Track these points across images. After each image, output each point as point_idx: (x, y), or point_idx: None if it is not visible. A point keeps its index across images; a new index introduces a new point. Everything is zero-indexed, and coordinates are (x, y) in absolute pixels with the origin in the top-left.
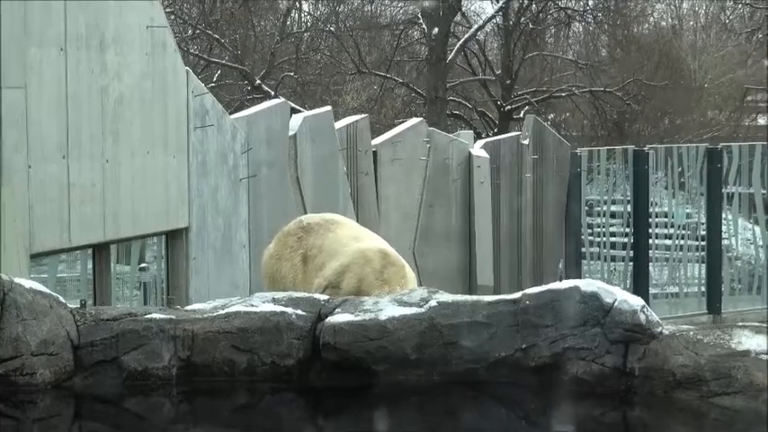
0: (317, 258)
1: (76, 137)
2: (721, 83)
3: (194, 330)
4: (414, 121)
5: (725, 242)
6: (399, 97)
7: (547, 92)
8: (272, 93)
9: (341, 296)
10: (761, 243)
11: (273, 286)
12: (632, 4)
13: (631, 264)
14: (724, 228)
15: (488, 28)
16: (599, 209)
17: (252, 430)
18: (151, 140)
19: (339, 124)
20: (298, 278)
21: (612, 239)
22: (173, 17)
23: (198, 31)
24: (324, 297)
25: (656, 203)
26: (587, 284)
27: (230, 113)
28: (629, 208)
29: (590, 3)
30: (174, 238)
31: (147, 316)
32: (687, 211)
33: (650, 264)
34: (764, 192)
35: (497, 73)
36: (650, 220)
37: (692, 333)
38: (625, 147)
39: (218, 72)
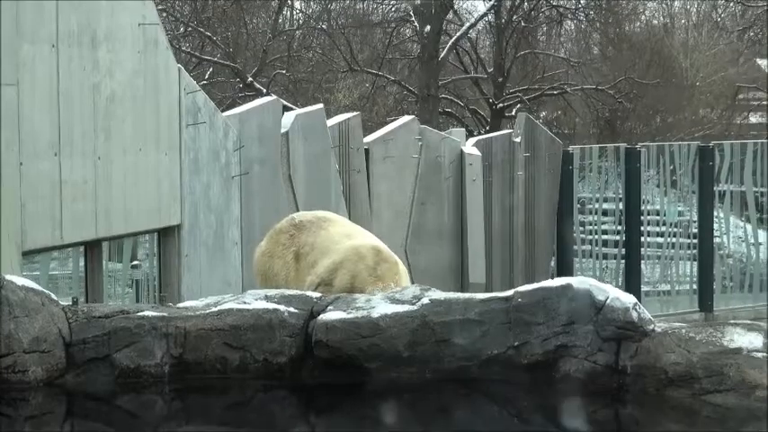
0: (309, 256)
1: (68, 134)
2: (713, 81)
3: (186, 328)
4: (406, 118)
5: (717, 240)
6: (391, 95)
7: (539, 90)
8: (264, 90)
9: (334, 293)
10: (752, 241)
11: (266, 284)
12: (624, 3)
13: (623, 261)
14: (716, 226)
15: (480, 26)
16: (591, 206)
17: (244, 428)
18: (143, 138)
19: (331, 122)
20: (290, 276)
21: (604, 237)
22: (165, 15)
23: (190, 29)
24: (316, 295)
25: (648, 201)
26: (579, 282)
27: (222, 111)
28: (620, 206)
29: (582, 1)
30: (167, 235)
31: (139, 313)
32: (679, 208)
33: (642, 261)
34: (756, 190)
35: (489, 71)
36: (642, 217)
37: (684, 331)
38: (617, 145)
39: (210, 69)
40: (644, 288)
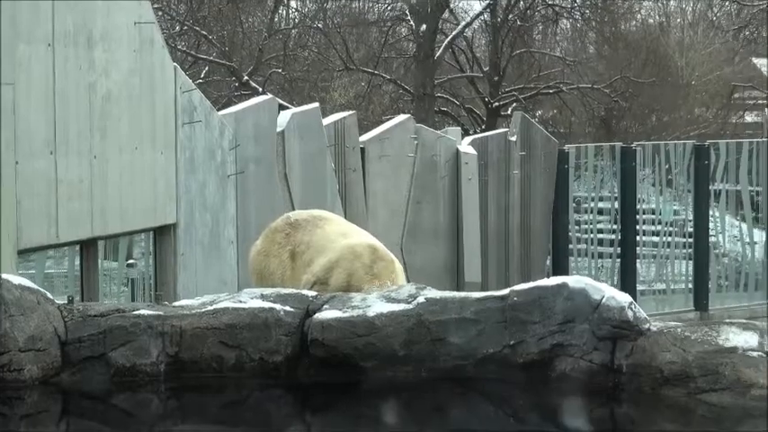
0: (305, 254)
1: (64, 133)
2: (708, 80)
3: (182, 326)
4: (401, 117)
5: (712, 239)
6: (387, 94)
7: (534, 89)
8: (260, 89)
9: (330, 292)
10: (748, 240)
11: (261, 283)
12: (619, 2)
13: (619, 260)
14: (711, 225)
15: (476, 25)
16: (586, 205)
17: (240, 426)
18: (139, 137)
19: (327, 121)
20: (286, 274)
21: (600, 236)
22: (160, 14)
23: (186, 28)
24: (312, 293)
25: (644, 200)
26: (575, 281)
27: (218, 110)
28: (616, 205)
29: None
30: (162, 234)
31: (134, 312)
32: (674, 207)
33: (637, 260)
34: (751, 189)
35: (485, 70)
36: (638, 216)
37: (679, 330)
38: (612, 144)
39: (206, 68)
40: (639, 287)
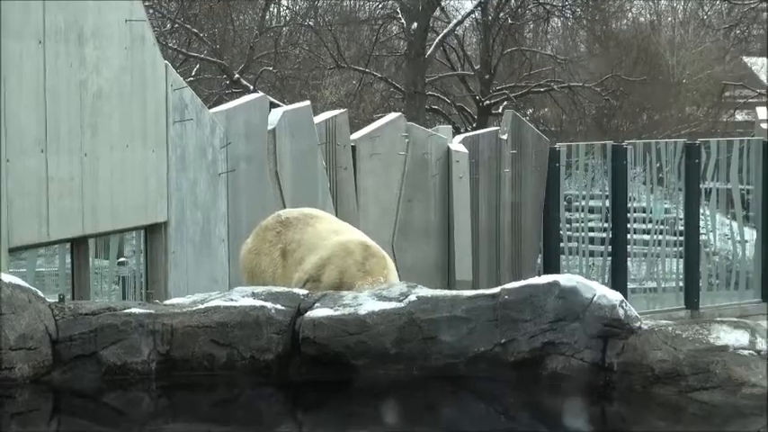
0: (296, 253)
1: (55, 131)
2: (699, 78)
3: (173, 325)
4: (392, 115)
5: (703, 237)
6: (378, 92)
7: (525, 87)
8: (251, 87)
9: (322, 289)
10: (738, 238)
11: (252, 281)
12: (611, 0)
13: (610, 259)
14: (702, 223)
15: (467, 23)
16: (577, 204)
17: (231, 425)
18: (130, 134)
19: (318, 119)
20: (277, 273)
21: (591, 234)
22: (151, 11)
23: (177, 26)
24: (303, 292)
25: (635, 199)
26: (567, 279)
27: (209, 108)
28: (607, 203)
29: None
30: (153, 232)
31: (125, 310)
32: (665, 206)
33: (628, 259)
34: (742, 187)
35: (476, 68)
36: (628, 215)
37: (670, 328)
38: (604, 142)
39: (197, 66)
40: (630, 285)
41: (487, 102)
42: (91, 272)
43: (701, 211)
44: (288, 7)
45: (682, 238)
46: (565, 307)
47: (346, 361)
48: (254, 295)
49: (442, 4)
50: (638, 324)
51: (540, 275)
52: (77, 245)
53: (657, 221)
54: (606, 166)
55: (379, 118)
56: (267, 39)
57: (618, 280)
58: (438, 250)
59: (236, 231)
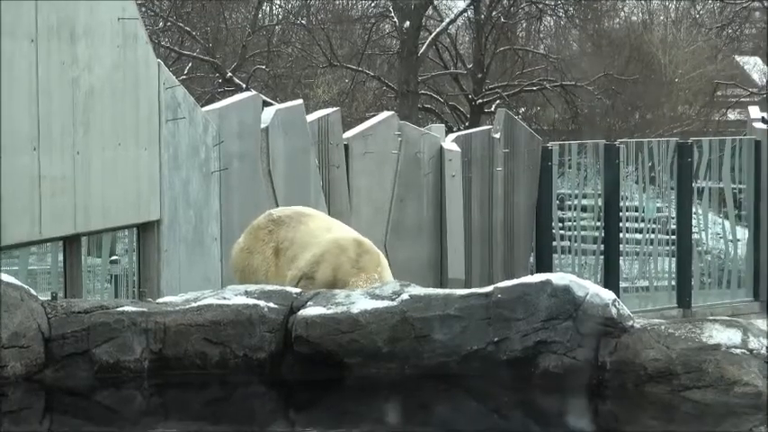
0: (288, 251)
1: (47, 129)
2: (691, 78)
3: (166, 323)
4: (385, 114)
5: (695, 236)
6: (371, 91)
7: (518, 86)
8: (244, 86)
9: (316, 286)
10: (730, 237)
11: (245, 280)
12: None
13: (602, 257)
14: (694, 222)
15: (460, 22)
16: (570, 203)
17: (223, 423)
18: (122, 133)
19: (311, 117)
20: (270, 271)
21: (583, 233)
22: (144, 9)
23: (169, 24)
24: (296, 290)
25: (627, 197)
26: (559, 278)
27: (202, 106)
28: (599, 202)
29: None
30: (146, 230)
31: (118, 309)
32: (657, 205)
33: (621, 258)
34: (734, 186)
35: (469, 67)
36: (621, 214)
37: (663, 327)
38: (596, 141)
39: (190, 65)
40: (622, 284)
41: (480, 100)
42: (83, 270)
43: (694, 210)
44: (280, 6)
45: (674, 237)
46: (557, 306)
47: (339, 359)
48: (246, 294)
49: (435, 2)
50: (630, 323)
51: (532, 274)
52: (70, 243)
53: (650, 220)
54: (599, 165)
55: (371, 117)
56: (260, 37)
57: (610, 279)
58: (431, 249)
59: (229, 230)
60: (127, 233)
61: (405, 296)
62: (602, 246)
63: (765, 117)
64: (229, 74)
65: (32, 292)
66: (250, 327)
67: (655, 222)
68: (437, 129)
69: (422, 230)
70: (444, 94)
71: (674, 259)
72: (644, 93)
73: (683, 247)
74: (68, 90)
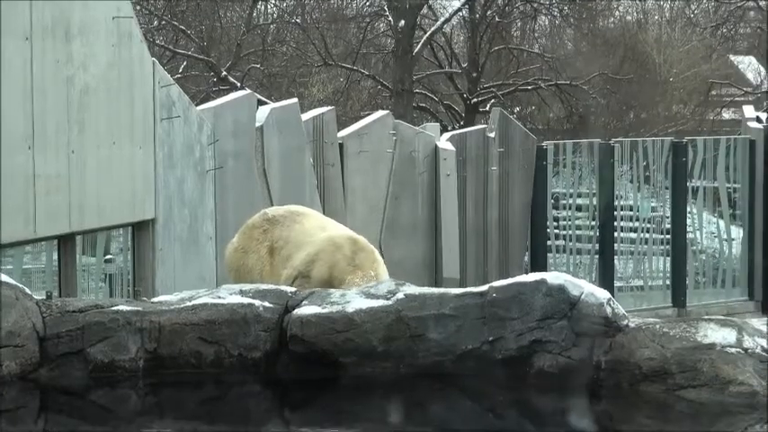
0: (283, 250)
1: (42, 127)
2: (686, 77)
3: (161, 322)
4: (380, 113)
5: (689, 236)
6: (366, 89)
7: (513, 85)
8: (239, 84)
9: (312, 285)
10: (725, 237)
11: (239, 279)
12: None
13: (597, 257)
14: (689, 221)
15: (455, 21)
16: (565, 202)
17: (218, 422)
18: (117, 131)
19: (305, 116)
20: (265, 270)
21: (578, 232)
22: (139, 8)
23: (164, 22)
24: (291, 289)
25: (622, 197)
26: (554, 277)
27: (196, 105)
28: (594, 201)
29: None
30: (141, 229)
31: (113, 308)
32: (652, 204)
33: (615, 257)
34: (729, 186)
35: (464, 66)
36: (615, 213)
37: (657, 326)
38: (591, 140)
39: (184, 63)
40: (617, 283)
41: (475, 100)
42: (78, 269)
43: (688, 209)
44: (275, 4)
45: (669, 237)
46: (552, 305)
47: (334, 359)
48: (241, 293)
49: (430, 1)
50: (625, 322)
51: (527, 273)
52: (64, 242)
53: (644, 220)
54: (593, 164)
55: (366, 115)
56: (254, 36)
57: (605, 278)
58: (425, 248)
59: (224, 229)
60: (121, 232)
61: (400, 295)
62: (597, 245)
63: (760, 116)
64: (224, 73)
65: (27, 291)
66: (245, 326)
67: (649, 222)
68: (432, 128)
69: (417, 229)
70: (439, 93)
71: (668, 258)
72: (639, 92)
73: (678, 246)
74: (63, 89)
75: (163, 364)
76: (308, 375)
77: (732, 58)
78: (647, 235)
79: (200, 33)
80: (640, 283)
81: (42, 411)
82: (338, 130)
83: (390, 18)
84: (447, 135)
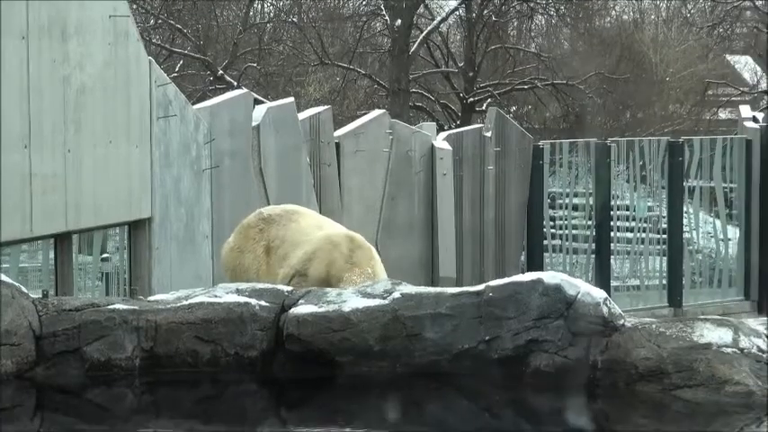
0: (280, 249)
1: (38, 126)
2: (682, 77)
3: (157, 321)
4: (376, 112)
5: (686, 235)
6: (362, 89)
7: (509, 84)
8: (235, 83)
9: (309, 283)
10: (721, 237)
11: (236, 279)
12: None
13: (593, 256)
14: (685, 221)
15: (451, 20)
16: (561, 201)
17: (215, 421)
18: (114, 130)
19: (302, 115)
20: (261, 269)
21: (574, 232)
22: (135, 7)
23: (160, 21)
24: (287, 288)
25: (618, 196)
26: (551, 277)
27: (193, 104)
28: (590, 201)
29: None
30: (137, 228)
31: (109, 306)
32: (648, 204)
33: (612, 256)
34: (725, 185)
35: (460, 65)
36: (612, 213)
37: (654, 326)
38: (587, 140)
39: (181, 62)
40: (613, 283)
41: (471, 99)
42: (74, 268)
43: (685, 209)
44: (272, 3)
45: (665, 236)
46: (549, 304)
47: (330, 358)
48: (238, 292)
49: (426, 1)
50: (621, 322)
51: (523, 273)
52: (61, 241)
53: (641, 219)
54: (590, 163)
55: (362, 115)
56: (251, 35)
57: (601, 277)
58: (422, 247)
59: (220, 228)
60: (118, 231)
61: (396, 294)
62: (594, 244)
63: (756, 116)
64: (220, 71)
65: (23, 289)
66: (241, 325)
67: (646, 221)
68: (428, 127)
69: (413, 229)
70: (435, 92)
71: (665, 258)
72: (635, 92)
73: (674, 246)
74: (59, 88)
75: (159, 363)
76: (304, 374)
77: (728, 57)
78: (644, 235)
79: (196, 32)
80: (637, 282)
81: (38, 410)
82: (335, 130)
83: (387, 17)
84: (443, 134)
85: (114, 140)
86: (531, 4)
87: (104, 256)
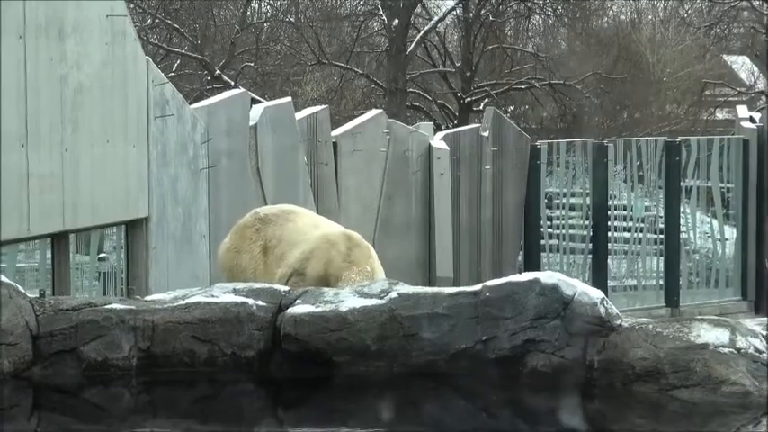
0: (277, 249)
1: (36, 126)
2: (680, 77)
3: (154, 321)
4: (374, 112)
5: (683, 235)
6: (359, 88)
7: (506, 84)
8: (232, 83)
9: (307, 282)
10: (718, 237)
11: (233, 279)
12: None
13: (590, 256)
14: (682, 221)
15: (449, 20)
16: (558, 201)
17: (212, 421)
18: (111, 130)
19: (299, 115)
20: (258, 269)
21: (572, 232)
22: (132, 6)
23: (157, 21)
24: (284, 288)
25: (615, 196)
26: (548, 277)
27: (190, 103)
28: (588, 201)
29: None
30: (134, 227)
31: (106, 306)
32: (646, 204)
33: (609, 256)
34: (722, 185)
35: (457, 65)
36: (609, 213)
37: (651, 326)
38: (584, 140)
39: (178, 62)
40: (610, 283)
41: (468, 99)
42: (71, 267)
43: (682, 209)
44: (269, 3)
45: (662, 236)
46: (546, 304)
47: (327, 358)
48: (235, 291)
49: (424, 0)
50: (618, 322)
51: (520, 273)
52: (58, 240)
53: (638, 219)
54: (587, 163)
55: (360, 114)
56: (248, 35)
57: (598, 278)
58: (419, 247)
59: (217, 228)
60: (115, 230)
61: (393, 294)
62: (591, 244)
63: (753, 116)
64: (218, 71)
65: (20, 289)
66: (238, 325)
67: (643, 221)
68: (425, 127)
69: (410, 228)
70: (433, 92)
71: (662, 258)
72: (632, 92)
73: (672, 246)
74: (57, 87)
75: (156, 363)
76: (301, 374)
77: (726, 57)
78: (641, 235)
79: (193, 32)
80: (634, 282)
81: (35, 410)
82: (332, 129)
83: (384, 17)
84: (441, 134)
85: (111, 140)
86: (529, 4)
87: (101, 255)
